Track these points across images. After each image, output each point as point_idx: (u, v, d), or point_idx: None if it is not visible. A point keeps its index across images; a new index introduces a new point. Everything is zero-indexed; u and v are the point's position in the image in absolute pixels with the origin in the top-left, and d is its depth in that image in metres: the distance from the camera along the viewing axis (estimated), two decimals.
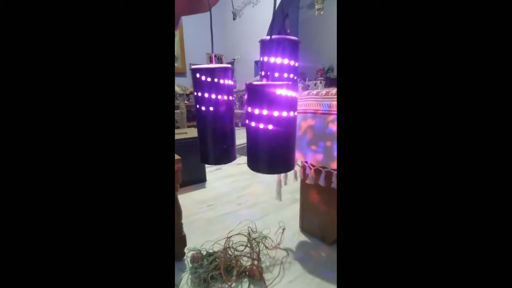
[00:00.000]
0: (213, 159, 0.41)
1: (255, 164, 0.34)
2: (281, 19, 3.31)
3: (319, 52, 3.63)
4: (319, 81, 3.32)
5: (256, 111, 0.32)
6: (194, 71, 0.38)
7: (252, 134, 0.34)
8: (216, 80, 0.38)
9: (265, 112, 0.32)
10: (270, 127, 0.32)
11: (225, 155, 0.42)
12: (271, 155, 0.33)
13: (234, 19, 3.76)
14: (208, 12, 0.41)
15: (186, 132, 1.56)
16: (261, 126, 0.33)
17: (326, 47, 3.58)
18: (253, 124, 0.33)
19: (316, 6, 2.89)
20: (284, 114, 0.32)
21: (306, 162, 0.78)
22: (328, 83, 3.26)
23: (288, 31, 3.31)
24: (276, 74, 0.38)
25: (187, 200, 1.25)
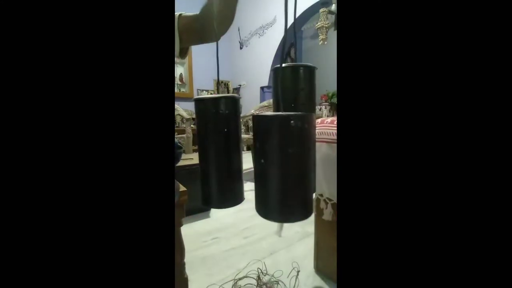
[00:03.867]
0: (218, 201, 0.37)
1: (265, 210, 0.29)
2: (286, 48, 3.45)
3: (323, 78, 3.70)
4: (323, 106, 3.34)
5: (267, 147, 0.28)
6: (198, 101, 0.35)
7: (261, 174, 0.29)
8: (221, 111, 0.35)
9: (277, 148, 0.27)
10: (284, 166, 0.27)
11: (231, 196, 0.38)
12: (284, 199, 0.28)
13: (241, 48, 3.94)
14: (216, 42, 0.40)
15: (192, 158, 1.51)
16: (273, 164, 0.28)
17: (330, 73, 3.65)
18: (262, 161, 0.28)
19: (320, 37, 3.00)
20: (302, 150, 0.27)
21: (321, 195, 0.71)
22: (333, 108, 3.27)
23: (293, 58, 3.42)
24: (292, 104, 0.34)
25: (190, 232, 1.17)
